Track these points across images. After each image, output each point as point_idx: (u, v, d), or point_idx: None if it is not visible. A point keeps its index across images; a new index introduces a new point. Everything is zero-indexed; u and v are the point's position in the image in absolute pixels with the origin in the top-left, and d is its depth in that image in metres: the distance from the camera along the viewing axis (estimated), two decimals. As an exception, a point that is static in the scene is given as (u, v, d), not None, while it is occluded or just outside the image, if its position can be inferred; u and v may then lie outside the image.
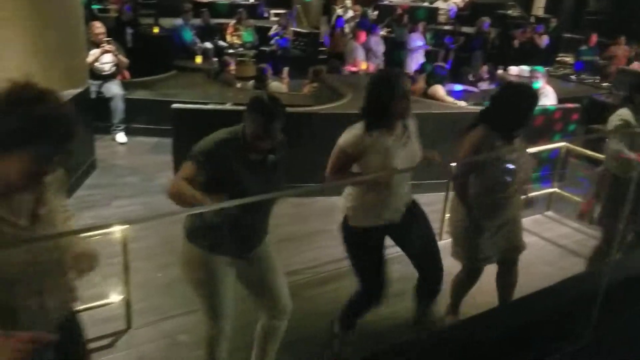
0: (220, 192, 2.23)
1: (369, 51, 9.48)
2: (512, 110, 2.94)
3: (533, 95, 3.04)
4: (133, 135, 6.60)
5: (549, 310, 1.13)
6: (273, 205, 2.65)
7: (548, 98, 6.14)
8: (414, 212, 3.01)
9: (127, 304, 3.36)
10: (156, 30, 9.69)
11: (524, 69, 8.59)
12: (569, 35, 12.63)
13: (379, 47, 9.70)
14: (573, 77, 9.27)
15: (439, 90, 6.00)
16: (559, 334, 1.05)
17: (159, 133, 6.39)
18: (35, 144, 1.48)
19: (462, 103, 6.01)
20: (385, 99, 2.66)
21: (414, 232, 3.00)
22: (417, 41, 9.99)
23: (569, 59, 10.84)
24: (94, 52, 6.22)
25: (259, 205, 2.46)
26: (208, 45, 9.96)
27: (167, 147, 5.54)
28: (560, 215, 5.26)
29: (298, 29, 11.22)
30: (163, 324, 3.45)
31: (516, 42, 11.06)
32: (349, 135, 2.75)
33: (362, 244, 2.92)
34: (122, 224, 3.35)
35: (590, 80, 9.14)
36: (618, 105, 3.86)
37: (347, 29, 11.46)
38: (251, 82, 8.09)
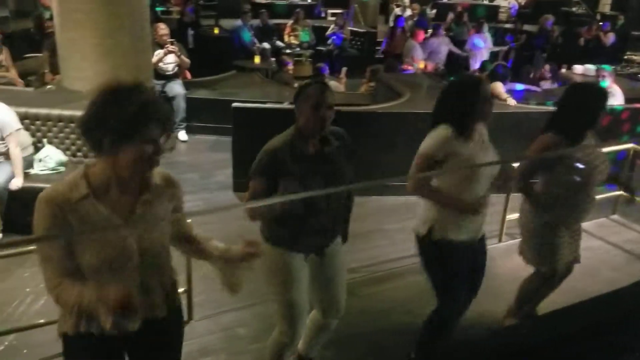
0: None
1: (431, 51, 9.35)
2: (581, 111, 2.84)
3: (602, 93, 2.93)
4: (193, 134, 6.80)
5: (622, 312, 1.10)
6: (345, 199, 2.68)
7: (615, 98, 5.92)
8: (483, 244, 2.92)
9: (189, 296, 3.47)
10: (216, 31, 9.94)
11: (590, 67, 8.27)
12: (637, 32, 12.06)
13: (442, 48, 9.55)
14: (641, 76, 8.85)
15: (498, 87, 5.88)
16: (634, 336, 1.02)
17: (218, 131, 6.57)
18: (145, 128, 1.61)
19: (512, 102, 5.85)
20: (472, 101, 2.60)
21: (475, 266, 2.88)
22: (480, 41, 9.76)
23: (638, 57, 10.36)
24: (158, 53, 6.45)
25: (326, 200, 2.46)
26: (266, 45, 10.11)
27: (226, 145, 5.69)
28: (627, 220, 5.04)
29: (355, 29, 11.23)
30: (222, 317, 3.55)
31: (581, 40, 10.65)
32: (433, 139, 2.66)
33: (446, 258, 2.77)
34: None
35: (662, 79, 8.69)
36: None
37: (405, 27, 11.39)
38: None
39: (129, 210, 1.74)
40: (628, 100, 6.33)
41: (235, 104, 5.34)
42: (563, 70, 8.73)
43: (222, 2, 11.56)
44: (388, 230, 4.78)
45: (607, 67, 6.60)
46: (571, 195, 2.93)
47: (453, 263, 2.75)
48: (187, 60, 6.81)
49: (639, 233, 4.85)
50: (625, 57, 10.54)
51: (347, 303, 2.80)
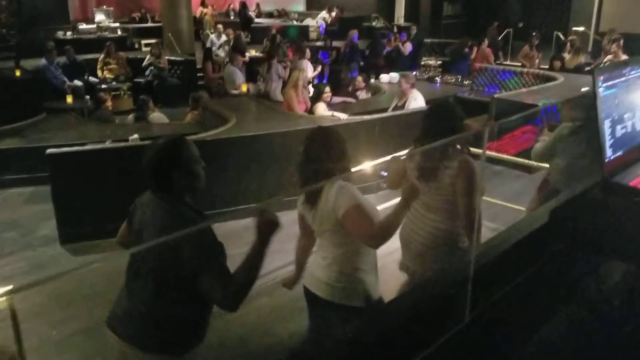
0: None
1: (274, 74, 9.38)
2: None
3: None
4: (4, 188, 6.14)
5: (430, 299, 1.26)
6: None
7: (417, 101, 6.51)
8: None
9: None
10: (18, 73, 9.11)
11: (394, 76, 9.10)
12: (429, 40, 13.60)
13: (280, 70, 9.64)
14: (437, 79, 9.98)
15: (319, 108, 6.24)
16: (443, 318, 1.17)
17: (34, 181, 6.01)
18: None
19: (343, 116, 6.25)
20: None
21: None
22: (311, 69, 9.76)
23: (432, 62, 11.66)
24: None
25: None
26: (78, 82, 9.53)
27: (45, 194, 5.24)
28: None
29: (173, 57, 11.06)
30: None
31: (384, 51, 11.71)
32: (351, 189, 2.47)
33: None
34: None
35: (452, 80, 9.89)
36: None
37: (222, 53, 11.48)
38: (131, 116, 7.84)
39: None
40: (429, 101, 7.07)
41: (49, 151, 4.94)
42: (372, 81, 9.50)
43: (20, 42, 10.64)
44: (233, 255, 4.78)
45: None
46: None
47: None
48: (-15, 109, 6.16)
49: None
50: (422, 62, 11.78)
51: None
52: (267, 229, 1.99)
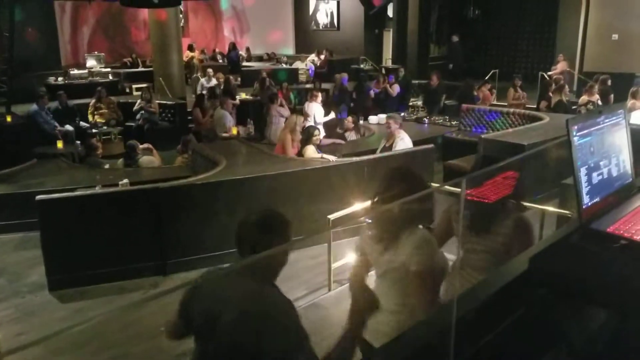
0: None
1: (275, 116, 9.45)
2: None
3: None
4: (-6, 234, 6.12)
5: (413, 350, 1.28)
6: None
7: (404, 142, 6.61)
8: None
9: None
10: (9, 118, 9.18)
11: (382, 117, 9.24)
12: (417, 81, 13.87)
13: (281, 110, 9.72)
14: (425, 119, 10.13)
15: (308, 150, 6.32)
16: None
17: (24, 227, 6.00)
18: None
19: (332, 158, 6.31)
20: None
21: None
22: (321, 113, 9.50)
23: (420, 102, 11.87)
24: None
25: None
26: (69, 127, 9.61)
27: (35, 240, 5.23)
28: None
29: (163, 101, 11.20)
30: None
31: (372, 93, 11.93)
32: (432, 247, 2.33)
33: None
34: None
35: (440, 120, 10.05)
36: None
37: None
38: (120, 160, 7.89)
39: None
40: (416, 142, 7.17)
41: (39, 197, 4.94)
42: (361, 122, 9.63)
43: (12, 87, 10.75)
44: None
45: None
46: None
47: None
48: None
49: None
50: (410, 103, 12.00)
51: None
52: (366, 310, 1.98)
